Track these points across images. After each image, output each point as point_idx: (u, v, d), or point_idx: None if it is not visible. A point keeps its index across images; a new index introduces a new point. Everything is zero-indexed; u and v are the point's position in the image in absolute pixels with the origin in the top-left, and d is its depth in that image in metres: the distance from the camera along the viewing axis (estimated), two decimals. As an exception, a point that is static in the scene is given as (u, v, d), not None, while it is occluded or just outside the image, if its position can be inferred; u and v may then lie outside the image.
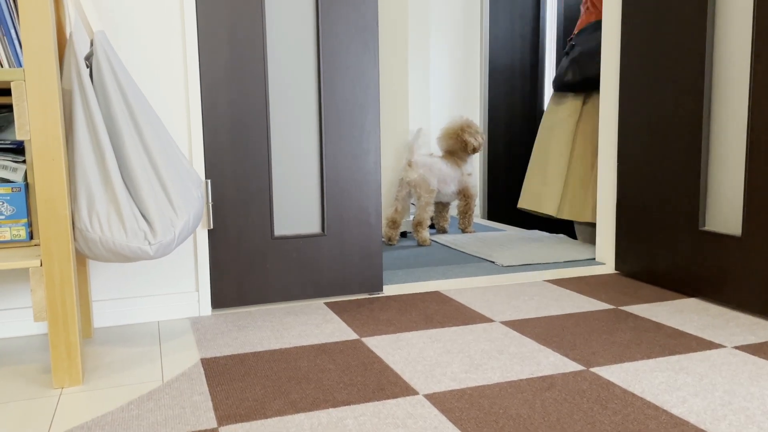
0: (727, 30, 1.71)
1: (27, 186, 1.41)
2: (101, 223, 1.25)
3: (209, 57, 1.66)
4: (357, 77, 1.80)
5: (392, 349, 1.43)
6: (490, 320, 1.63)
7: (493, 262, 2.32)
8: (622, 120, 2.05)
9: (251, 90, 1.70)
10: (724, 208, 1.76)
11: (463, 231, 3.02)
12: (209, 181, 1.68)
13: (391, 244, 2.75)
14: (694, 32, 1.76)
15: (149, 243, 1.27)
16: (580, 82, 2.68)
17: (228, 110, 1.69)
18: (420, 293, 1.90)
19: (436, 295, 1.88)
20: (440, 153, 2.98)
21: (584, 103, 2.71)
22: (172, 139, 1.40)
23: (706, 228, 1.78)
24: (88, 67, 1.33)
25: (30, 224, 1.42)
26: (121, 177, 1.30)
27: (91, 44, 1.35)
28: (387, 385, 1.23)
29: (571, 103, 2.74)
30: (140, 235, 1.27)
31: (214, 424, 1.07)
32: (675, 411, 1.10)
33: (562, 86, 2.75)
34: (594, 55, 2.61)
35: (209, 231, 1.70)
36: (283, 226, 1.80)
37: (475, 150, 2.91)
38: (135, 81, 1.50)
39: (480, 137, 2.91)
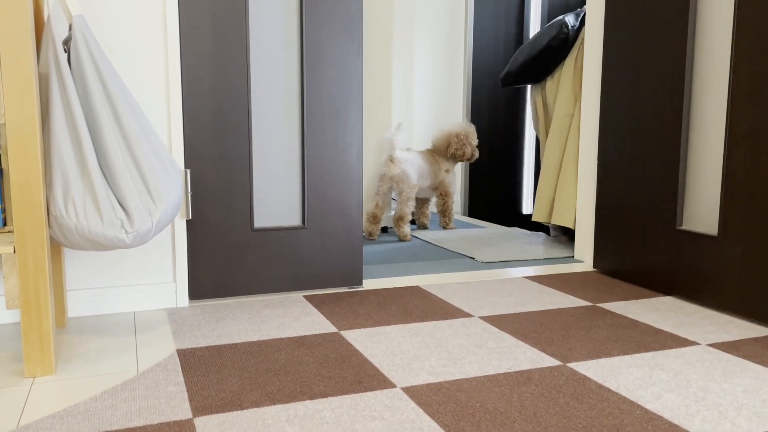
0: (708, 35, 1.73)
1: (1, 171, 1.38)
2: (77, 210, 1.23)
3: (191, 45, 1.64)
4: (341, 70, 1.79)
5: (371, 342, 1.42)
6: (469, 315, 1.63)
7: (473, 259, 2.33)
8: (602, 121, 2.06)
9: (233, 79, 1.68)
10: (702, 208, 1.78)
11: (444, 228, 3.02)
12: (189, 170, 1.66)
13: (371, 239, 2.75)
14: (674, 37, 1.78)
15: (126, 231, 1.25)
16: (506, 76, 2.72)
17: (209, 99, 1.67)
18: (400, 288, 1.90)
19: (415, 290, 1.88)
20: (419, 148, 2.99)
21: (543, 97, 2.71)
22: (151, 126, 1.38)
23: (684, 227, 1.80)
24: (66, 51, 1.31)
25: (3, 210, 1.39)
26: (99, 164, 1.28)
27: (70, 28, 1.32)
28: (365, 378, 1.22)
29: (534, 103, 2.75)
30: (117, 223, 1.25)
31: (189, 415, 1.06)
32: (649, 406, 1.11)
33: (501, 82, 2.80)
34: (525, 46, 2.62)
35: (188, 221, 1.68)
36: (263, 218, 1.78)
37: (454, 156, 2.90)
38: (114, 66, 1.47)
39: (468, 148, 2.89)
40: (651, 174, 1.88)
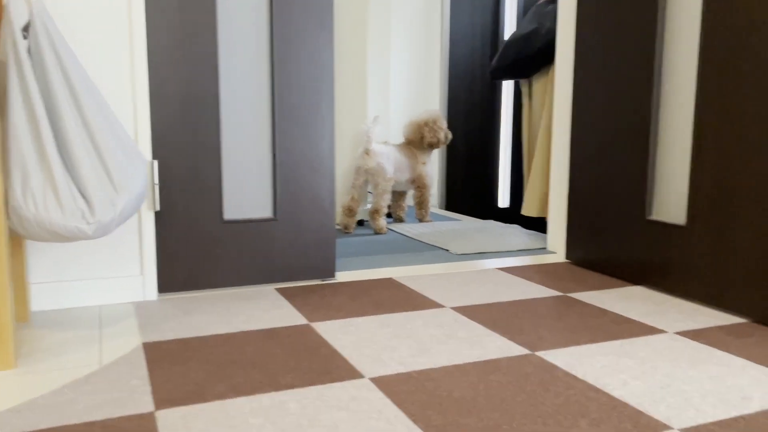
0: (677, 28, 1.74)
1: (-42, 162, 1.34)
2: (36, 200, 1.20)
3: (157, 33, 1.60)
4: (312, 59, 1.77)
5: (341, 333, 1.41)
6: (440, 306, 1.63)
7: (448, 251, 2.33)
8: (575, 114, 2.07)
9: (201, 68, 1.66)
10: (671, 198, 1.79)
11: (420, 221, 3.02)
12: (156, 161, 1.63)
13: (347, 232, 2.73)
14: (645, 31, 1.79)
15: (87, 222, 1.22)
16: (495, 70, 2.70)
17: (177, 88, 1.64)
18: (373, 280, 1.89)
19: (389, 282, 1.87)
20: (395, 141, 2.99)
21: (530, 88, 2.71)
22: (114, 115, 1.35)
23: (653, 217, 1.82)
24: (25, 38, 1.27)
25: (-39, 202, 1.35)
26: (59, 153, 1.25)
27: (29, 14, 1.29)
28: (333, 368, 1.21)
29: (523, 93, 2.76)
30: (78, 213, 1.22)
31: (151, 407, 1.04)
32: (615, 393, 1.11)
33: (491, 75, 2.77)
34: (517, 40, 2.60)
35: (156, 213, 1.65)
36: (233, 210, 1.76)
37: (431, 145, 2.91)
38: (75, 54, 1.44)
39: (441, 134, 2.91)
40: (621, 166, 1.89)
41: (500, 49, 2.71)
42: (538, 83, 2.63)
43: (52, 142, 1.23)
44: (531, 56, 2.55)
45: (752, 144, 1.50)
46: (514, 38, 2.63)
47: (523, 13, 3.37)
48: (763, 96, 1.47)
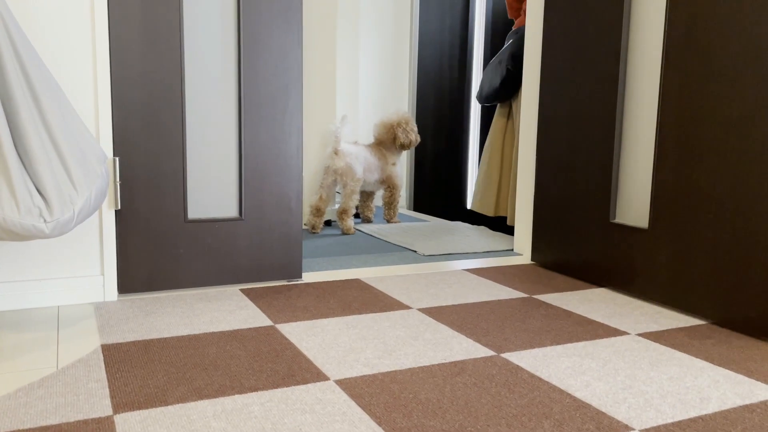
0: (640, 40, 1.77)
1: None
2: (-10, 197, 1.15)
3: (120, 26, 1.57)
4: (280, 57, 1.75)
5: (307, 335, 1.40)
6: (407, 307, 1.62)
7: (415, 252, 2.33)
8: (541, 119, 2.09)
9: (166, 63, 1.62)
10: (634, 202, 1.83)
11: (388, 221, 3.02)
12: (117, 158, 1.59)
13: (315, 233, 2.71)
14: (609, 41, 1.82)
15: (45, 221, 1.18)
16: (479, 98, 2.84)
17: (140, 84, 1.60)
18: (340, 281, 1.88)
19: (356, 283, 1.86)
20: (365, 142, 2.98)
21: (510, 109, 2.77)
22: (73, 110, 1.32)
23: (616, 221, 1.85)
24: (-20, 28, 1.23)
25: None
26: (15, 148, 1.20)
27: (-15, 4, 1.24)
28: (298, 371, 1.20)
29: (501, 106, 2.81)
30: (35, 211, 1.18)
31: (109, 411, 1.01)
32: (578, 394, 1.12)
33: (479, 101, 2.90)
34: (492, 68, 2.73)
35: (117, 212, 1.61)
36: (197, 209, 1.73)
37: (402, 146, 2.92)
38: (33, 46, 1.40)
39: (413, 135, 2.92)
40: (586, 170, 1.92)
41: (483, 77, 2.85)
42: (516, 103, 2.71)
43: (8, 136, 1.19)
44: (499, 86, 2.70)
45: (711, 151, 1.53)
46: (488, 69, 2.80)
47: (491, 16, 3.40)
48: (721, 107, 1.50)
